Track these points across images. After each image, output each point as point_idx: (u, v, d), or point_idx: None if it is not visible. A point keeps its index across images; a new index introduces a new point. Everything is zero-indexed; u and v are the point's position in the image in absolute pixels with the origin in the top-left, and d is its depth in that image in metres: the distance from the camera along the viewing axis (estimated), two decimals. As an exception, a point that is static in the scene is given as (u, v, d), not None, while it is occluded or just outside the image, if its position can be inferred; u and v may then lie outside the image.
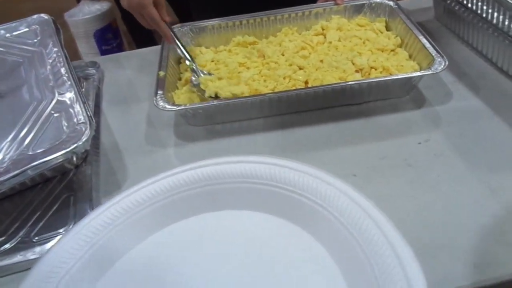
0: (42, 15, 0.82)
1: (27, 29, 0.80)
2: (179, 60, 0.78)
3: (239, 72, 0.71)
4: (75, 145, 0.53)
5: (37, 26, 0.80)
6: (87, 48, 2.05)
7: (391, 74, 0.66)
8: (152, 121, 0.69)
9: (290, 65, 0.71)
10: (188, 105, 0.62)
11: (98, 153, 0.64)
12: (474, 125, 0.60)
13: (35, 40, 0.76)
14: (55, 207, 0.56)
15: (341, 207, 0.40)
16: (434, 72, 0.61)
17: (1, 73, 0.72)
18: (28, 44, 0.76)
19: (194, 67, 0.71)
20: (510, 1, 0.62)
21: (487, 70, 0.71)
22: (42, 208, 0.56)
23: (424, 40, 0.67)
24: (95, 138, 0.67)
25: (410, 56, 0.71)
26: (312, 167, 0.44)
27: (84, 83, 0.79)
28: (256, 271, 0.40)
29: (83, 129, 0.56)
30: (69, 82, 0.64)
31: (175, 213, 0.46)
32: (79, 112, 0.59)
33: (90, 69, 0.83)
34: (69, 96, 0.62)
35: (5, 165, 0.53)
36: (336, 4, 0.81)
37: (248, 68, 0.73)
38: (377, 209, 0.38)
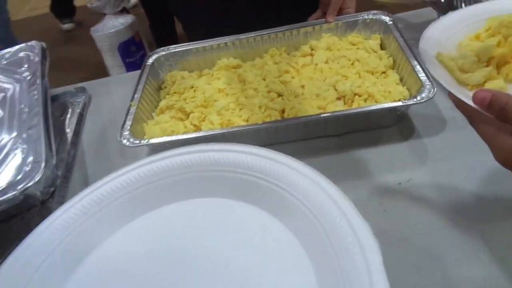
0: (33, 42, 0.83)
1: (17, 57, 0.81)
2: (160, 86, 0.76)
3: (214, 101, 0.67)
4: (25, 185, 0.52)
5: (27, 53, 0.81)
6: (112, 61, 2.09)
7: (376, 102, 0.60)
8: (126, 154, 0.67)
9: (269, 92, 0.66)
10: (151, 139, 0.59)
11: (66, 188, 0.63)
12: (466, 161, 0.53)
13: (22, 69, 0.77)
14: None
15: (305, 191, 0.39)
16: (420, 101, 0.54)
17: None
18: (15, 73, 0.77)
19: None
20: None
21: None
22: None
23: (414, 62, 0.60)
24: (67, 171, 0.66)
25: (401, 79, 0.64)
26: (278, 153, 0.44)
27: (70, 110, 0.79)
28: (225, 258, 0.40)
29: (40, 168, 0.55)
30: (38, 117, 0.64)
31: (142, 205, 0.46)
32: (41, 150, 0.58)
33: (79, 94, 0.83)
34: (36, 131, 0.62)
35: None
36: (327, 22, 0.75)
37: (226, 94, 0.69)
38: (339, 192, 0.38)
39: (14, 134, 0.63)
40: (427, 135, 0.58)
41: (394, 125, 0.60)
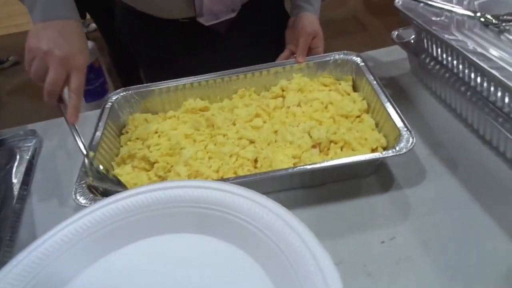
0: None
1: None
2: (121, 131, 0.70)
3: (181, 148, 0.62)
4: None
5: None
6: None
7: (353, 150, 0.57)
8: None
9: (240, 138, 0.62)
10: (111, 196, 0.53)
11: (10, 252, 0.55)
12: (449, 214, 0.51)
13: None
14: None
15: (268, 223, 0.40)
16: (399, 152, 0.51)
17: None
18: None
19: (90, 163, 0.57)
20: (482, 64, 0.52)
21: (467, 139, 0.61)
22: None
23: (390, 109, 0.58)
24: (12, 233, 0.58)
25: (376, 125, 0.62)
26: (241, 188, 0.44)
27: (17, 157, 0.71)
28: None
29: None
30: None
31: (114, 241, 0.44)
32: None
33: (29, 138, 0.75)
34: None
35: None
36: (297, 62, 0.72)
37: (194, 141, 0.64)
38: (301, 223, 0.39)
39: None
40: (408, 185, 0.55)
41: (372, 174, 0.58)
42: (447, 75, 0.63)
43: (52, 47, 0.55)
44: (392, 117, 0.57)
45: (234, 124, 0.66)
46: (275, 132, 0.63)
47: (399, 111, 0.57)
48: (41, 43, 0.55)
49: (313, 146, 0.59)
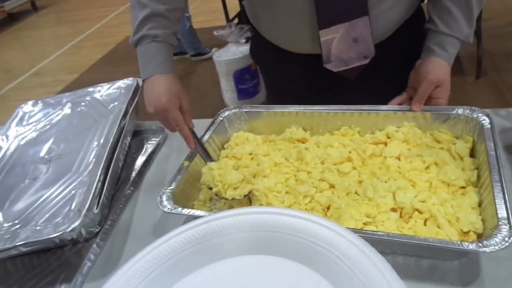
0: (131, 79, 0.90)
1: (113, 91, 0.89)
2: (223, 145, 0.75)
3: (264, 176, 0.64)
4: (62, 231, 0.56)
5: (122, 89, 0.89)
6: (226, 85, 2.22)
7: (438, 227, 0.50)
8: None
9: (322, 180, 0.61)
10: (190, 211, 0.58)
11: (108, 233, 0.66)
12: None
13: (111, 106, 0.85)
14: (46, 280, 0.60)
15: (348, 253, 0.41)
16: (484, 249, 0.43)
17: (74, 133, 0.81)
18: (104, 109, 0.84)
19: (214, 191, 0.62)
20: None
21: None
22: (36, 278, 0.60)
23: (498, 190, 0.48)
24: (117, 214, 0.69)
25: (480, 204, 0.52)
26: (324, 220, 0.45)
27: (144, 148, 0.84)
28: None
29: (79, 215, 0.59)
30: (101, 161, 0.68)
31: (200, 259, 0.48)
32: (88, 198, 0.62)
33: (157, 133, 0.88)
34: (92, 177, 0.67)
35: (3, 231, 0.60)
36: (412, 110, 0.66)
37: (280, 172, 0.65)
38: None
39: (79, 174, 0.69)
40: (494, 286, 0.46)
41: (454, 260, 0.49)
42: None
43: (151, 106, 0.68)
44: (497, 201, 0.47)
45: (322, 163, 0.64)
46: (360, 182, 0.59)
47: (507, 196, 0.47)
48: (148, 106, 0.68)
49: (393, 210, 0.54)
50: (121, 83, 0.91)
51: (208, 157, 0.68)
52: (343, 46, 0.68)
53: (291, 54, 0.76)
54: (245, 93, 2.22)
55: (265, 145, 0.72)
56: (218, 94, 2.26)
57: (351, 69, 0.72)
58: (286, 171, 0.64)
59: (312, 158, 0.65)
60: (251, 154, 0.71)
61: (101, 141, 0.75)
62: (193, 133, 0.69)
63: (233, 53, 2.13)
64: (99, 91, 0.91)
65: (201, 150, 0.68)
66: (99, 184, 0.65)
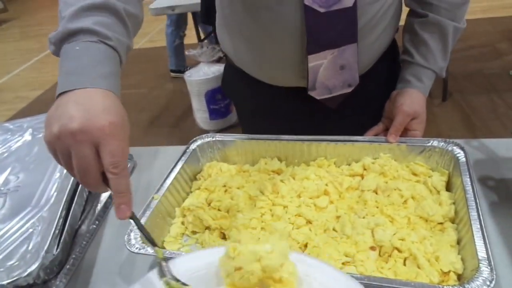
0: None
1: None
2: (195, 176, 0.72)
3: (238, 211, 0.61)
4: (17, 276, 0.51)
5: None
6: (198, 105, 2.18)
7: (418, 268, 0.49)
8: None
9: (298, 215, 0.58)
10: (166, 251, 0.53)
11: (70, 274, 0.61)
12: None
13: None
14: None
15: None
16: (468, 293, 0.41)
17: (34, 163, 0.76)
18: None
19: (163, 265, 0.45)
20: None
21: None
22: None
23: (476, 228, 0.48)
24: (78, 253, 0.64)
25: (459, 241, 0.51)
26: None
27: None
28: None
29: (36, 258, 0.54)
30: (63, 194, 0.64)
31: None
32: (48, 237, 0.57)
33: (128, 161, 0.84)
34: (55, 212, 0.62)
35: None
36: (387, 141, 0.65)
37: (255, 205, 0.62)
38: None
39: (38, 208, 0.63)
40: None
41: (436, 302, 0.48)
42: None
43: (64, 123, 0.41)
44: (476, 240, 0.46)
45: (299, 196, 0.62)
46: (337, 217, 0.57)
47: (485, 234, 0.47)
48: (52, 127, 0.41)
49: (372, 248, 0.52)
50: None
51: (148, 235, 0.48)
52: (330, 72, 0.67)
53: (269, 87, 0.75)
54: (216, 113, 2.20)
55: (239, 176, 0.70)
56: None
57: (334, 97, 0.71)
58: (261, 205, 0.62)
59: (288, 191, 0.63)
60: (224, 186, 0.68)
61: (64, 171, 0.70)
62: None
63: (205, 73, 2.11)
64: (63, 116, 0.86)
65: (140, 223, 0.48)
66: (61, 220, 0.61)
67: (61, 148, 0.42)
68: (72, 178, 0.67)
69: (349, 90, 0.70)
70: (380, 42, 0.69)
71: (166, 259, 0.46)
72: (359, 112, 0.74)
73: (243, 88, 0.81)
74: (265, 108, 0.80)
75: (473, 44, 2.76)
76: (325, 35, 0.63)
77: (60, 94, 0.44)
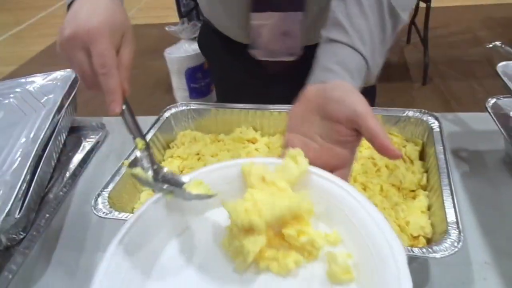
0: (69, 71, 0.82)
1: (48, 84, 0.81)
2: (168, 145, 0.70)
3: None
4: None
5: (56, 82, 0.81)
6: (178, 84, 2.14)
7: (388, 231, 0.48)
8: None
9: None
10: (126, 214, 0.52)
11: (34, 240, 0.59)
12: None
13: (44, 99, 0.77)
14: None
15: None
16: (433, 255, 0.41)
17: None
18: (36, 103, 0.76)
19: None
20: None
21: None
22: None
23: (447, 194, 0.48)
24: (44, 219, 0.61)
25: (429, 207, 0.51)
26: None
27: (82, 146, 0.77)
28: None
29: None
30: (28, 159, 0.61)
31: None
32: (10, 200, 0.55)
33: (97, 130, 0.81)
34: (16, 176, 0.59)
35: None
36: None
37: (228, 172, 0.61)
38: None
39: (1, 173, 0.61)
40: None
41: (405, 266, 0.48)
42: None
43: (61, 33, 0.44)
44: (446, 205, 0.46)
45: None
46: (311, 185, 0.57)
47: (455, 200, 0.47)
48: (65, 28, 0.44)
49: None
50: (58, 74, 0.82)
51: (138, 132, 0.46)
52: (272, 36, 0.66)
53: (232, 42, 0.74)
54: (197, 92, 2.16)
55: (214, 145, 0.68)
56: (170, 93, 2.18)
57: (276, 62, 0.70)
58: (234, 173, 0.61)
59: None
60: (198, 154, 0.66)
61: (31, 136, 0.68)
62: (124, 99, 0.46)
63: (186, 50, 2.06)
64: (32, 82, 0.82)
65: (130, 121, 0.46)
66: (24, 184, 0.58)
67: (79, 43, 0.43)
68: (38, 143, 0.65)
69: (291, 58, 0.69)
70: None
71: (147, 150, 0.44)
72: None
73: (212, 42, 0.81)
74: (232, 68, 0.79)
75: (454, 31, 2.78)
76: None
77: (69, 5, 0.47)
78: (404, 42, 2.73)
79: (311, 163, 0.42)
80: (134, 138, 0.45)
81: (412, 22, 2.56)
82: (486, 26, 2.83)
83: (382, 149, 0.41)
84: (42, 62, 3.20)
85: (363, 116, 0.41)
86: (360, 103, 0.42)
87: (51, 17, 4.34)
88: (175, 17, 2.94)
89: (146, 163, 0.44)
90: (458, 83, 2.24)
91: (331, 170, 0.43)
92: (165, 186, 0.42)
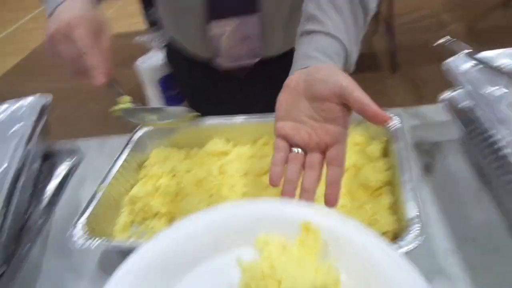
0: (38, 97, 0.82)
1: (13, 111, 0.80)
2: (143, 163, 0.71)
3: (186, 195, 0.61)
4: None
5: (25, 109, 0.80)
6: (153, 94, 2.14)
7: (357, 230, 0.51)
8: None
9: (245, 194, 0.60)
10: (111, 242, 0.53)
11: (15, 274, 0.59)
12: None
13: (12, 130, 0.76)
14: None
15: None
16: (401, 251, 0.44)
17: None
18: (3, 134, 0.75)
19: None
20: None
21: (507, 242, 0.50)
22: None
23: (408, 189, 0.51)
24: (23, 251, 0.62)
25: (394, 204, 0.54)
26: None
27: (57, 173, 0.77)
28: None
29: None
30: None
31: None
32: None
33: (72, 154, 0.81)
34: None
35: None
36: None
37: (203, 188, 0.63)
38: None
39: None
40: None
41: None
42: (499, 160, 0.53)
43: (53, 24, 0.53)
44: (408, 201, 0.49)
45: (246, 174, 0.63)
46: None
47: (417, 194, 0.49)
48: (49, 27, 0.54)
49: (315, 218, 0.54)
50: (25, 101, 0.82)
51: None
52: (232, 42, 0.69)
53: (197, 58, 0.77)
54: (173, 100, 2.15)
55: (187, 160, 0.70)
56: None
57: (241, 67, 0.73)
58: (210, 187, 0.62)
59: (236, 171, 0.63)
60: (172, 171, 0.67)
61: (2, 169, 0.67)
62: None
63: (158, 59, 2.05)
64: (1, 112, 0.82)
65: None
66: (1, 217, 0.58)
67: (62, 33, 0.53)
68: (11, 175, 0.65)
69: (255, 60, 0.71)
70: (286, 13, 0.68)
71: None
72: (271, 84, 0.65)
73: (177, 59, 0.83)
74: (202, 83, 0.82)
75: (418, 17, 2.85)
76: (225, 3, 0.65)
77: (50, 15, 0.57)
78: (371, 32, 2.78)
79: (305, 145, 0.46)
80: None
81: (377, 11, 2.61)
82: (448, 9, 2.90)
83: (375, 117, 0.44)
84: (10, 82, 3.12)
85: (349, 89, 0.43)
86: (345, 78, 0.44)
87: (19, 32, 4.24)
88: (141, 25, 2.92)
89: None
90: (427, 69, 2.30)
91: (327, 147, 0.46)
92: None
